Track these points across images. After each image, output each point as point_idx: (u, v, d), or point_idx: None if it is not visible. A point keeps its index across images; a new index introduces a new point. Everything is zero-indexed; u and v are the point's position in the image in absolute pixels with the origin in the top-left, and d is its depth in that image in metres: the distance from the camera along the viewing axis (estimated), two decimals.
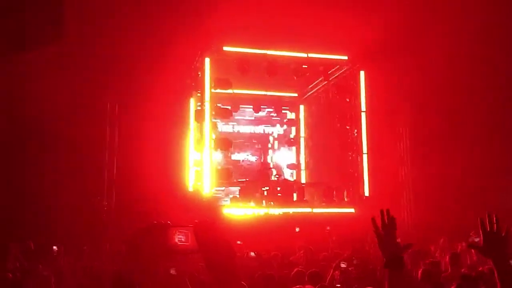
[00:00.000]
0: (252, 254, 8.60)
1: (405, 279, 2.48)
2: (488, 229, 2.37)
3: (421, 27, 14.77)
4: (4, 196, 10.93)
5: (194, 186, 15.77)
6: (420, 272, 5.71)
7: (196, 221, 1.54)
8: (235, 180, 16.47)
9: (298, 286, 5.24)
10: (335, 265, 6.53)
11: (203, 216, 1.59)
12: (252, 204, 15.30)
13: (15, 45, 2.12)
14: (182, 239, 1.50)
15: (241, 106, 18.06)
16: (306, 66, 16.34)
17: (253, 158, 19.94)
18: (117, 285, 1.19)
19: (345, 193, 17.22)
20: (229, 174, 15.58)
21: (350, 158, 17.14)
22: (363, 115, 16.64)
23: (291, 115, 20.86)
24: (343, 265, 6.59)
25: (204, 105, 15.20)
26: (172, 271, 5.91)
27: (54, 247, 10.03)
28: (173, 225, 1.51)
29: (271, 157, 20.58)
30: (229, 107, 16.98)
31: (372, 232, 2.47)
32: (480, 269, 5.60)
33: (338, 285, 6.06)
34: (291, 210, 15.30)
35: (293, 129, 20.82)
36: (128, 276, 1.25)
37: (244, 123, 20.00)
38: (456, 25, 13.80)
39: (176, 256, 1.44)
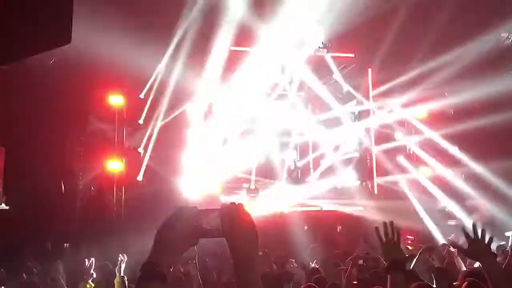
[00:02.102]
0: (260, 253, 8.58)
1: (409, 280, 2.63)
2: (473, 238, 2.62)
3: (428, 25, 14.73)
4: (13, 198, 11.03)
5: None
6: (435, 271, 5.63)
7: (222, 203, 1.55)
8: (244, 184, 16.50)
9: (307, 284, 5.25)
10: (352, 262, 6.51)
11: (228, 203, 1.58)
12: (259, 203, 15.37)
13: (23, 48, 2.15)
14: (212, 223, 1.49)
15: None
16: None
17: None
18: (145, 275, 1.20)
19: (353, 191, 17.20)
20: None
21: (358, 156, 17.09)
22: (371, 113, 16.60)
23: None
24: (360, 262, 6.58)
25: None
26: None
27: (65, 245, 10.19)
28: (200, 209, 1.51)
29: (278, 156, 20.50)
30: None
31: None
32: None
33: (355, 282, 6.06)
34: (299, 209, 15.30)
35: (301, 126, 20.71)
36: (158, 266, 1.26)
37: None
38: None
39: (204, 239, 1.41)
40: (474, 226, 2.64)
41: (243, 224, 1.49)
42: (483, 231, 2.61)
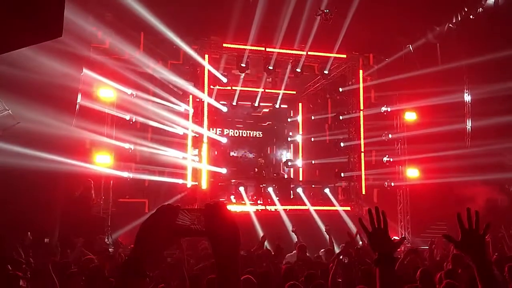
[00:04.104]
0: (243, 252, 8.64)
1: (396, 275, 2.39)
2: (467, 227, 2.31)
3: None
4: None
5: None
6: (418, 272, 5.70)
7: (207, 203, 1.56)
8: (233, 181, 16.52)
9: (291, 283, 5.27)
10: (337, 260, 6.53)
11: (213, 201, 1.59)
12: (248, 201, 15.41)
13: (14, 40, 2.14)
14: (195, 222, 1.51)
15: (239, 103, 18.11)
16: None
17: (251, 155, 19.98)
18: (127, 271, 1.21)
19: (341, 191, 17.33)
20: None
21: (348, 156, 17.20)
22: (361, 114, 16.70)
23: (289, 113, 20.92)
24: (345, 261, 6.59)
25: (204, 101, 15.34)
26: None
27: (46, 240, 10.12)
28: (183, 208, 1.53)
29: (269, 154, 20.61)
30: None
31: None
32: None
33: (340, 280, 6.10)
34: (288, 208, 15.36)
35: (291, 126, 20.86)
36: (138, 261, 1.28)
37: (242, 118, 20.00)
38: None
39: (186, 238, 1.44)
40: (468, 213, 2.31)
41: (226, 223, 1.50)
42: (477, 220, 2.29)
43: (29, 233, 8.59)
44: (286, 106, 20.39)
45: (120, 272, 1.48)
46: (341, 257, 6.42)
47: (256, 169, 17.56)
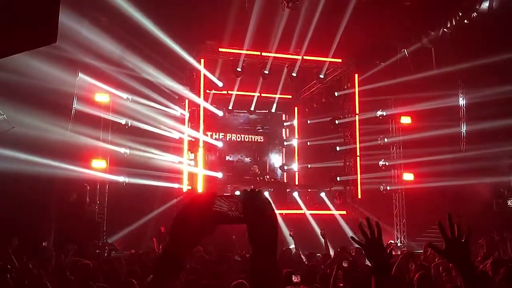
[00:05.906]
0: (237, 258, 8.63)
1: (393, 283, 2.36)
2: (449, 235, 2.22)
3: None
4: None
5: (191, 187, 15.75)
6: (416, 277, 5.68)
7: (243, 189, 1.53)
8: (229, 186, 16.47)
9: (289, 287, 5.26)
10: (337, 265, 6.52)
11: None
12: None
13: (10, 46, 2.15)
14: (232, 208, 1.47)
15: (235, 111, 18.17)
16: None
17: (247, 159, 19.95)
18: (163, 262, 1.16)
19: (337, 195, 17.32)
20: None
21: (343, 160, 17.23)
22: (357, 118, 16.74)
23: (285, 117, 20.93)
24: (345, 265, 6.59)
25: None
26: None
27: (44, 243, 10.06)
28: (220, 195, 1.48)
29: (265, 159, 20.58)
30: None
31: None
32: None
33: (341, 285, 6.08)
34: (284, 212, 15.34)
35: (287, 130, 20.88)
36: (175, 252, 1.22)
37: (238, 124, 19.99)
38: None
39: (224, 225, 1.35)
40: (449, 220, 2.22)
41: (264, 210, 1.46)
42: (459, 228, 2.20)
43: (15, 238, 8.49)
44: (281, 110, 20.40)
45: (156, 265, 1.42)
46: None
47: (251, 178, 17.47)
